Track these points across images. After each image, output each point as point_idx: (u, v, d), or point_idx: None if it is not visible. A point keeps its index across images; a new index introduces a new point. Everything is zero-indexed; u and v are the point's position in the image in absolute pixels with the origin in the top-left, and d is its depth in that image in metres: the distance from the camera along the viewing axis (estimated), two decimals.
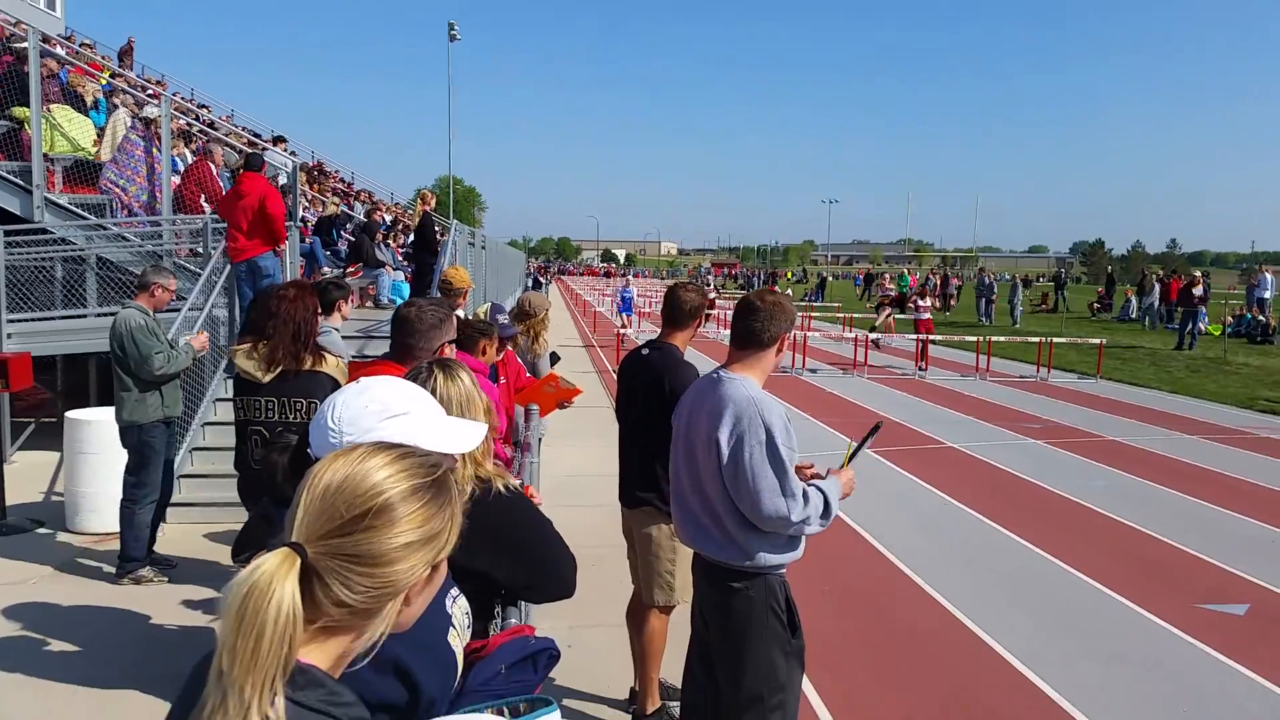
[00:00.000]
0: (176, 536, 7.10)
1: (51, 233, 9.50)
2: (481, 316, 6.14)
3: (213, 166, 11.13)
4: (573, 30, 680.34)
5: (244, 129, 21.15)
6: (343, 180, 25.63)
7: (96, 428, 7.13)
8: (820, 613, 5.92)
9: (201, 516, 7.54)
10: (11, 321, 9.03)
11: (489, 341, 4.75)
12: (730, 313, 3.75)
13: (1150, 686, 5.01)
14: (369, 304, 12.83)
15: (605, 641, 5.21)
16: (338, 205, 15.12)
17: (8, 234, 9.04)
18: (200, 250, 10.00)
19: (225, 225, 8.58)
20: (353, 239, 14.15)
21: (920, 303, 15.81)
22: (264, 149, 14.00)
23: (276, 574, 1.07)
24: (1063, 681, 5.02)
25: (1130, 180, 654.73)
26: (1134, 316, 33.47)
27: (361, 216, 16.80)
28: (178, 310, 8.07)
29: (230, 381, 6.53)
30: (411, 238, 14.77)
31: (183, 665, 1.22)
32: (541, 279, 50.81)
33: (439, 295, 6.55)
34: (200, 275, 8.99)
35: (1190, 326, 24.01)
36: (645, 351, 4.36)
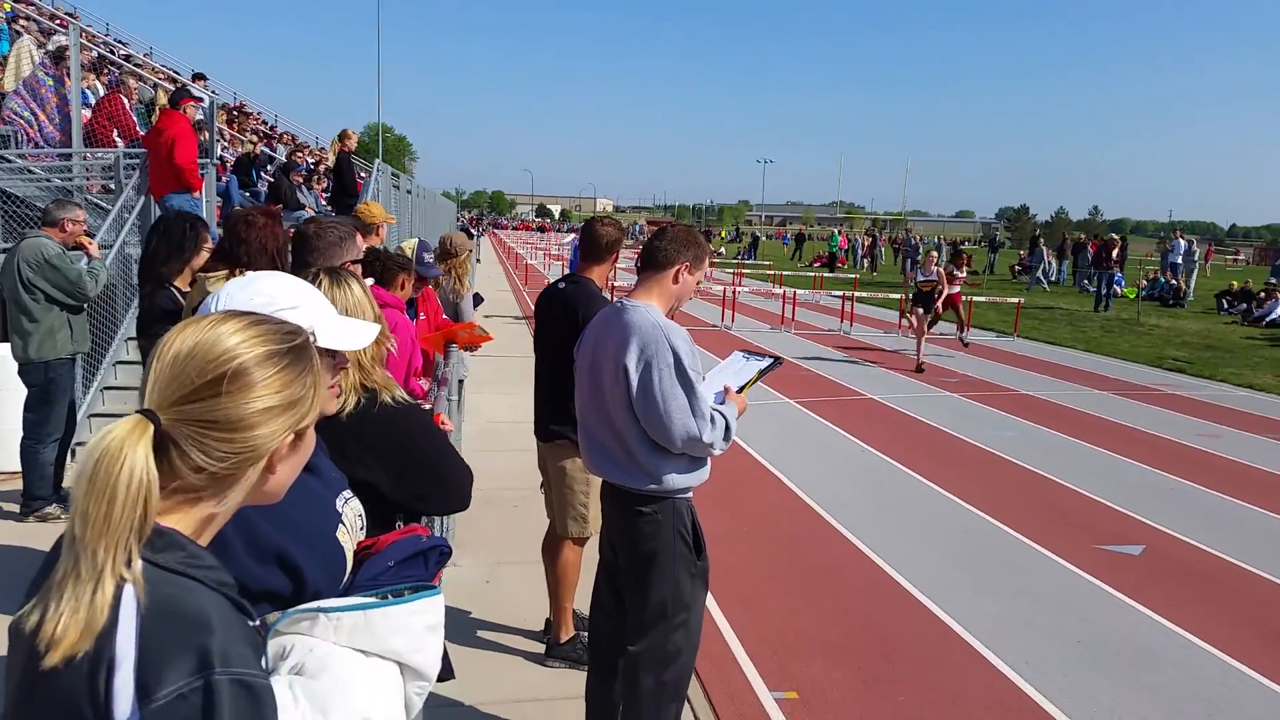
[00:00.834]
0: None
1: None
2: (405, 252, 6.03)
3: (125, 100, 10.70)
4: None
5: (162, 67, 20.37)
6: (265, 122, 24.88)
7: None
8: (737, 551, 6.05)
9: None
10: None
11: (407, 276, 4.69)
12: None
13: (1045, 619, 5.24)
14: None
15: (524, 577, 5.26)
16: (255, 144, 14.65)
17: None
18: (113, 187, 9.64)
19: (139, 161, 8.30)
20: (273, 179, 13.76)
21: (957, 273, 14.74)
22: (183, 86, 13.52)
23: (128, 440, 1.06)
24: (964, 614, 5.22)
25: (1057, 150, 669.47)
26: (1054, 279, 34.46)
27: (283, 159, 16.35)
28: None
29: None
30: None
31: None
32: (473, 231, 50.10)
33: None
34: (110, 212, 8.68)
35: (1106, 289, 24.77)
36: (562, 285, 4.36)
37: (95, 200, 9.58)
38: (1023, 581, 5.80)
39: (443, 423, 3.52)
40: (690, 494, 3.18)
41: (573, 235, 42.24)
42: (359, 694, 1.34)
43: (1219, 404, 12.16)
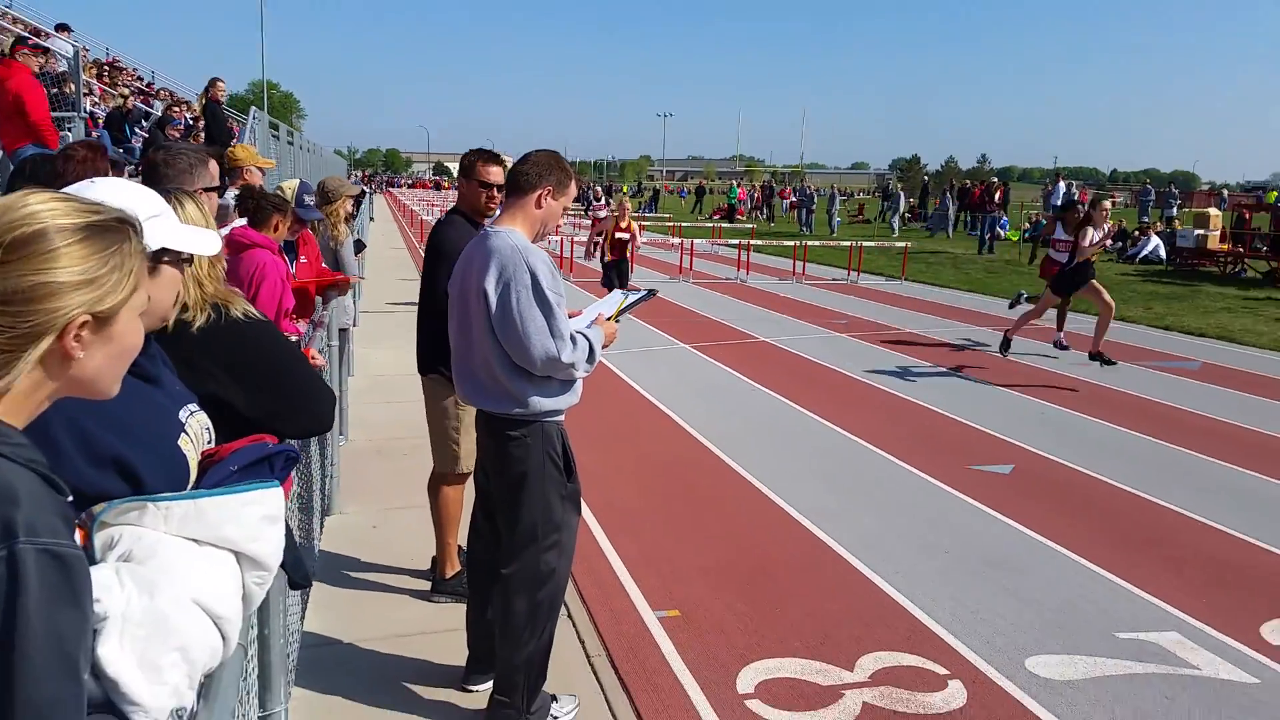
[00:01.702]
0: None
1: None
2: (285, 193, 5.82)
3: None
4: None
5: (17, 19, 19.11)
6: (140, 78, 23.66)
7: None
8: (627, 485, 6.18)
9: None
10: None
11: (281, 217, 4.58)
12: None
13: (918, 533, 5.52)
14: None
15: (412, 520, 5.27)
16: (127, 99, 14.00)
17: None
18: None
19: None
20: (147, 135, 13.20)
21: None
22: (47, 36, 12.80)
23: None
24: (844, 533, 5.46)
25: (948, 103, 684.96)
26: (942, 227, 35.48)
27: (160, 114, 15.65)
28: None
29: None
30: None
31: None
32: (365, 188, 48.73)
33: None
34: None
35: (989, 232, 25.65)
36: (443, 220, 4.35)
37: None
38: (899, 500, 6.08)
39: (312, 357, 3.50)
40: (560, 417, 3.24)
41: None
42: (189, 577, 1.35)
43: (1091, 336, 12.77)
